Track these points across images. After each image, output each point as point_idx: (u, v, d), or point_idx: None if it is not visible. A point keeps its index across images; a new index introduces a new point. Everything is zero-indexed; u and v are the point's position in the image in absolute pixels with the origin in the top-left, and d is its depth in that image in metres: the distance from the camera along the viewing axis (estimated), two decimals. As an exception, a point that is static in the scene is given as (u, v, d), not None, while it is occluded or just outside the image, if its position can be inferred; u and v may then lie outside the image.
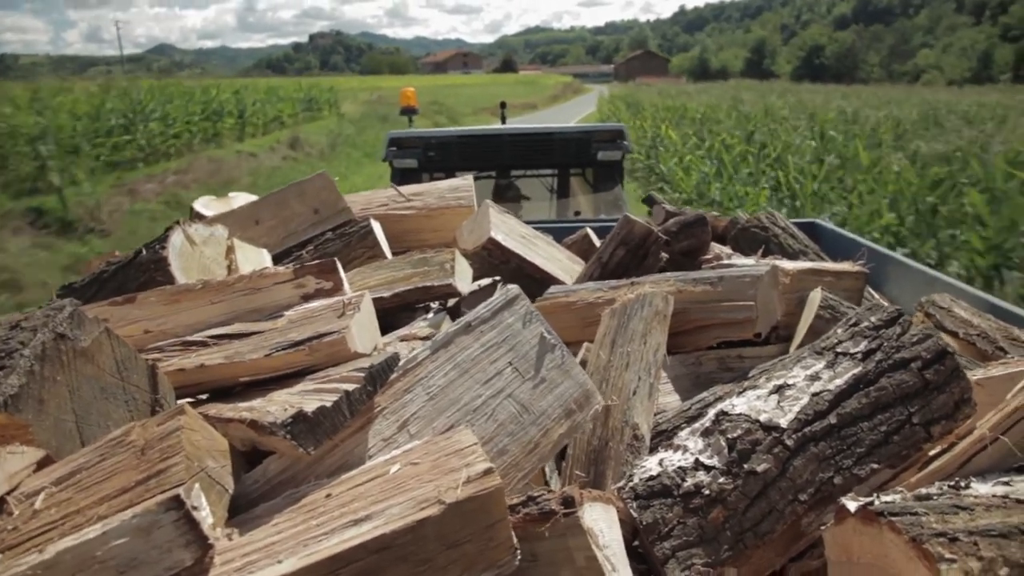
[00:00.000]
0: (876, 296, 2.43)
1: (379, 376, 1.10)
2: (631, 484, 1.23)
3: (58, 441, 1.06)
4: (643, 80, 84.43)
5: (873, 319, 1.36)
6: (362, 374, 1.08)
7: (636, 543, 1.21)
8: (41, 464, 1.04)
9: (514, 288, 1.30)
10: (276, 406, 1.06)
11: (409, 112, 7.14)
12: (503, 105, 7.02)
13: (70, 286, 1.81)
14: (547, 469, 1.47)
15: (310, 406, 1.01)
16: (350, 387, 1.05)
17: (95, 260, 2.12)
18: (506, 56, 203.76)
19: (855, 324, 1.38)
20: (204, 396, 1.36)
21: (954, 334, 1.92)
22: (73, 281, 1.84)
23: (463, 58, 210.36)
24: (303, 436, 0.99)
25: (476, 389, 1.17)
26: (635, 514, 1.18)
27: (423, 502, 0.90)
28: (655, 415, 1.57)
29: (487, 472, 0.92)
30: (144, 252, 1.74)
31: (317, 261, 1.53)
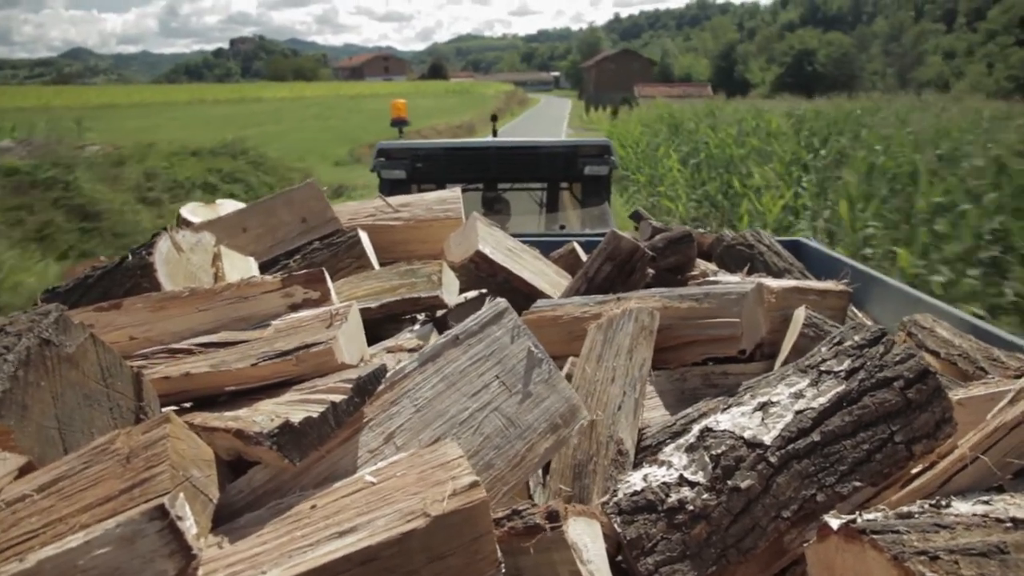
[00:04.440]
0: (859, 315, 2.46)
1: (366, 387, 1.10)
2: (615, 499, 1.23)
3: (41, 447, 1.05)
4: (656, 91, 52.31)
5: (856, 338, 1.37)
6: (349, 385, 1.08)
7: (619, 558, 1.21)
8: (23, 471, 1.03)
9: (502, 302, 1.31)
10: (262, 416, 1.05)
11: (399, 124, 7.17)
12: (494, 118, 7.07)
13: (54, 291, 1.80)
14: (531, 482, 1.47)
15: (296, 416, 1.01)
16: (337, 398, 1.05)
17: (79, 266, 2.10)
18: (435, 61, 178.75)
19: (839, 343, 1.39)
20: (188, 404, 1.35)
21: (936, 354, 1.95)
22: (57, 286, 1.82)
23: (384, 63, 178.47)
24: (289, 447, 0.99)
25: (463, 402, 1.17)
26: (619, 529, 1.18)
27: (409, 514, 0.90)
28: (640, 430, 1.58)
29: (473, 485, 0.93)
30: (130, 258, 1.73)
31: (305, 271, 1.53)
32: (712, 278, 2.34)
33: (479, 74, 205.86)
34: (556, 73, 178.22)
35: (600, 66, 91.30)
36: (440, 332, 1.92)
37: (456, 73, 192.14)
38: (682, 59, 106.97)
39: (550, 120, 43.40)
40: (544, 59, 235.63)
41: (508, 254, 2.21)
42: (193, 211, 2.36)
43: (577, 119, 46.48)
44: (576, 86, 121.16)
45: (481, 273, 2.16)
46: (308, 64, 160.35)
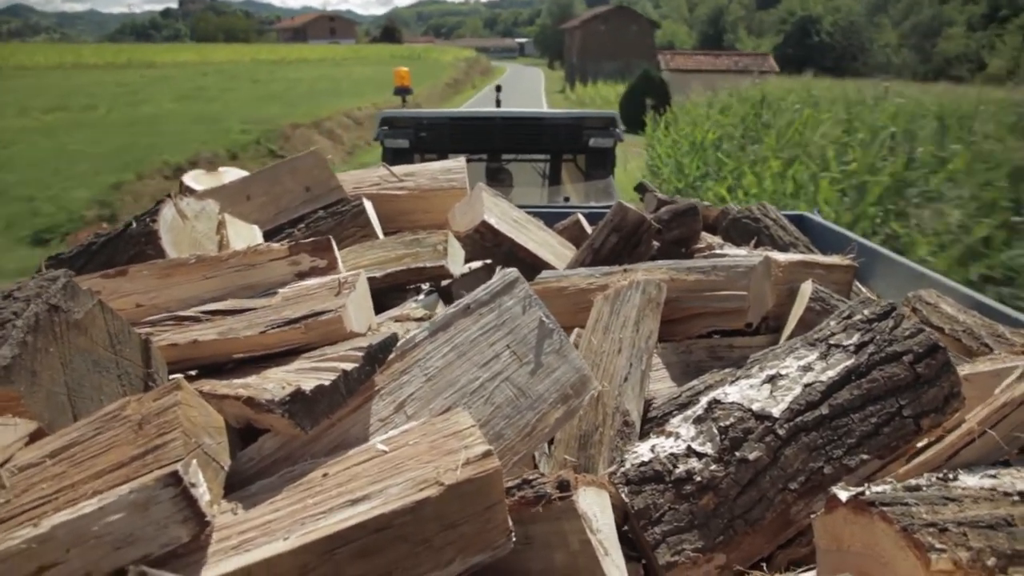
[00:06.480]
0: (863, 290, 2.45)
1: (377, 356, 1.09)
2: (623, 469, 1.23)
3: (50, 414, 1.05)
4: (691, 63, 35.95)
5: (866, 312, 1.37)
6: (360, 353, 1.07)
7: (626, 528, 1.22)
8: (33, 437, 1.03)
9: (513, 271, 1.30)
10: (273, 383, 1.05)
11: (403, 92, 7.12)
12: (499, 88, 7.03)
13: (57, 257, 1.79)
14: (536, 452, 1.48)
15: (308, 384, 1.00)
16: (348, 366, 1.05)
17: (82, 232, 2.09)
18: (388, 24, 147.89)
19: (848, 317, 1.39)
20: (193, 372, 1.35)
21: (940, 329, 1.94)
22: (61, 252, 1.81)
23: (330, 23, 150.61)
24: (300, 414, 0.99)
25: (474, 372, 1.17)
26: (627, 499, 1.18)
27: (422, 483, 0.90)
28: (645, 401, 1.58)
29: (486, 454, 0.93)
30: (134, 225, 1.72)
31: (312, 239, 1.52)
32: (719, 251, 2.33)
33: (440, 39, 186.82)
34: (521, 40, 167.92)
35: (587, 27, 64.03)
36: (445, 302, 1.92)
37: (416, 38, 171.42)
38: (664, 25, 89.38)
39: (522, 98, 30.93)
40: (507, 25, 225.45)
41: (514, 225, 2.20)
42: (196, 179, 2.34)
43: (559, 97, 37.25)
44: (546, 53, 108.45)
45: (486, 243, 2.15)
46: (240, 24, 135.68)
